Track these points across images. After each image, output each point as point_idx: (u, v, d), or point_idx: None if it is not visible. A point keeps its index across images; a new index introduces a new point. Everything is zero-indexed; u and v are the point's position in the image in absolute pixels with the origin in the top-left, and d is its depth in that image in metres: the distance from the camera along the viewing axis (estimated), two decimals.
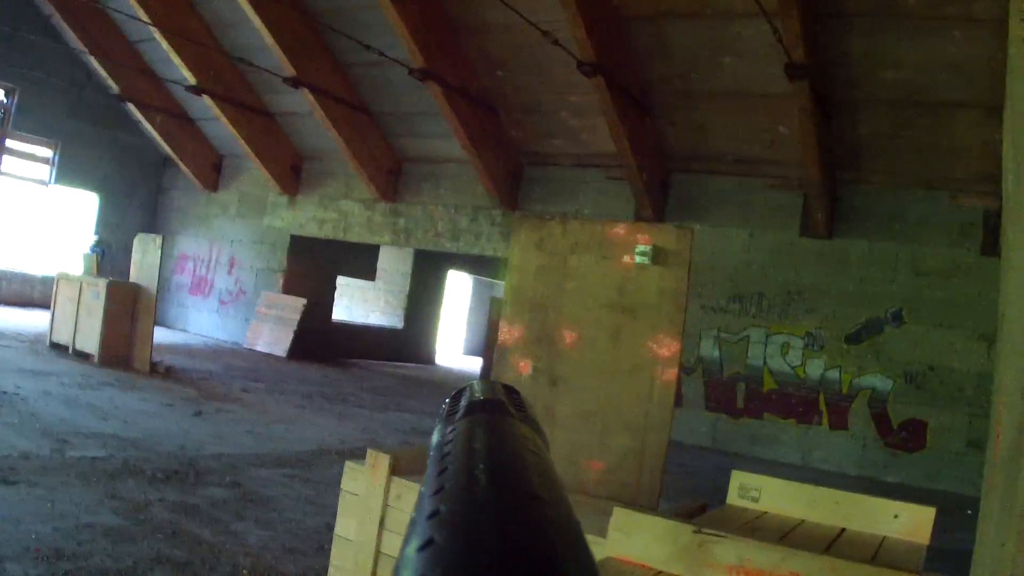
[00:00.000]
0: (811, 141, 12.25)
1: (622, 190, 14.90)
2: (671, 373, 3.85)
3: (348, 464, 3.93)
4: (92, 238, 21.13)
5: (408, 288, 24.77)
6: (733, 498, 3.71)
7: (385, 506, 3.61)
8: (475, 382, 0.65)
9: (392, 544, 3.59)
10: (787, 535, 3.18)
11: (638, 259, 3.89)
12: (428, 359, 25.12)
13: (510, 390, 0.63)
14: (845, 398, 13.06)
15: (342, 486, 3.90)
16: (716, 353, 14.06)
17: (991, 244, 12.23)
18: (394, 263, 24.89)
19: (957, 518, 9.23)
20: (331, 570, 3.92)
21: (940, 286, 12.55)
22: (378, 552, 3.62)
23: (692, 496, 7.10)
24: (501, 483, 0.43)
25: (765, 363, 13.73)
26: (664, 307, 3.90)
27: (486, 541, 0.37)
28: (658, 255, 3.89)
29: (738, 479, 3.74)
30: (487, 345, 20.55)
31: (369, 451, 3.74)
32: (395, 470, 3.66)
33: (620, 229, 4.00)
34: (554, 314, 4.13)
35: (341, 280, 22.47)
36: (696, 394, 14.01)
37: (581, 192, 15.59)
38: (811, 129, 12.07)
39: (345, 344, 21.65)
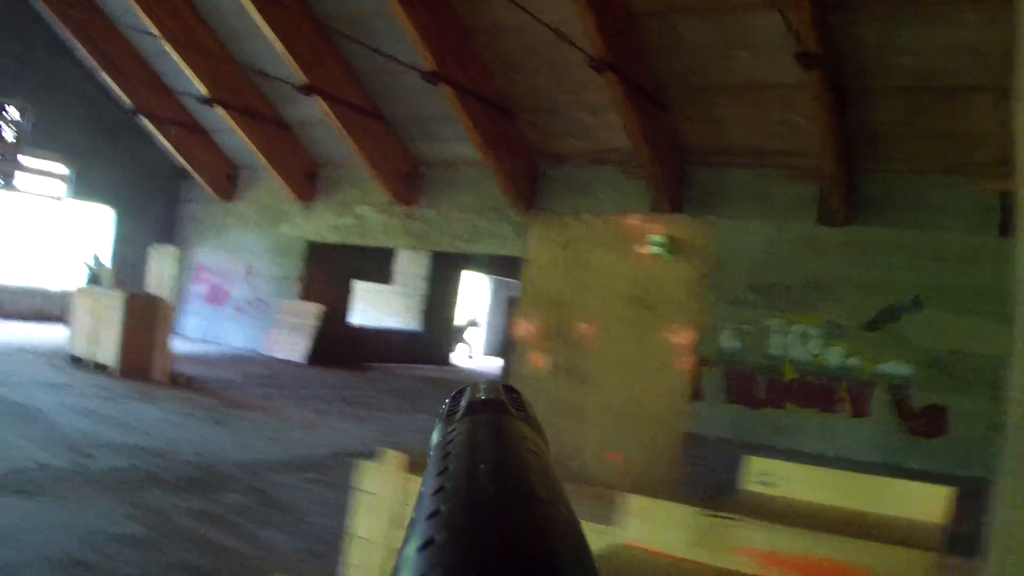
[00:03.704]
0: (827, 130, 12.18)
1: (639, 187, 14.85)
2: (688, 363, 3.82)
3: (363, 463, 3.92)
4: (92, 255, 21.23)
5: (426, 291, 24.79)
6: (749, 484, 3.68)
7: (399, 504, 3.60)
8: (475, 382, 0.64)
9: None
10: (805, 518, 3.14)
11: (653, 249, 3.85)
12: (447, 361, 25.14)
13: (510, 390, 0.62)
14: (866, 385, 12.97)
15: (357, 485, 3.89)
16: (737, 344, 13.99)
17: (1009, 226, 12.12)
18: (411, 266, 24.90)
19: (982, 502, 9.18)
20: (346, 569, 3.91)
21: (960, 271, 12.45)
22: (392, 550, 3.60)
23: (712, 488, 7.06)
24: (501, 483, 0.43)
25: (786, 353, 13.66)
26: (682, 298, 3.87)
27: (486, 541, 0.37)
28: (675, 246, 3.86)
29: (754, 464, 3.71)
30: (506, 345, 20.54)
31: (384, 450, 3.72)
32: (410, 468, 3.65)
33: (634, 220, 3.97)
34: (570, 308, 4.10)
35: (359, 285, 22.49)
36: (717, 386, 13.94)
37: (598, 190, 15.54)
38: (826, 118, 12.00)
39: (364, 348, 21.68)
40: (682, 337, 3.86)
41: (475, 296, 30.72)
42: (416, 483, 3.62)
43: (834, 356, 13.23)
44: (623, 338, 3.97)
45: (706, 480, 8.95)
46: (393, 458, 3.71)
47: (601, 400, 3.95)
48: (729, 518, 2.39)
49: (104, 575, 4.64)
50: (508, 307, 23.37)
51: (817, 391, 13.31)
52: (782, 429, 13.44)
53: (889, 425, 12.76)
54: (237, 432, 9.68)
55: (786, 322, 13.71)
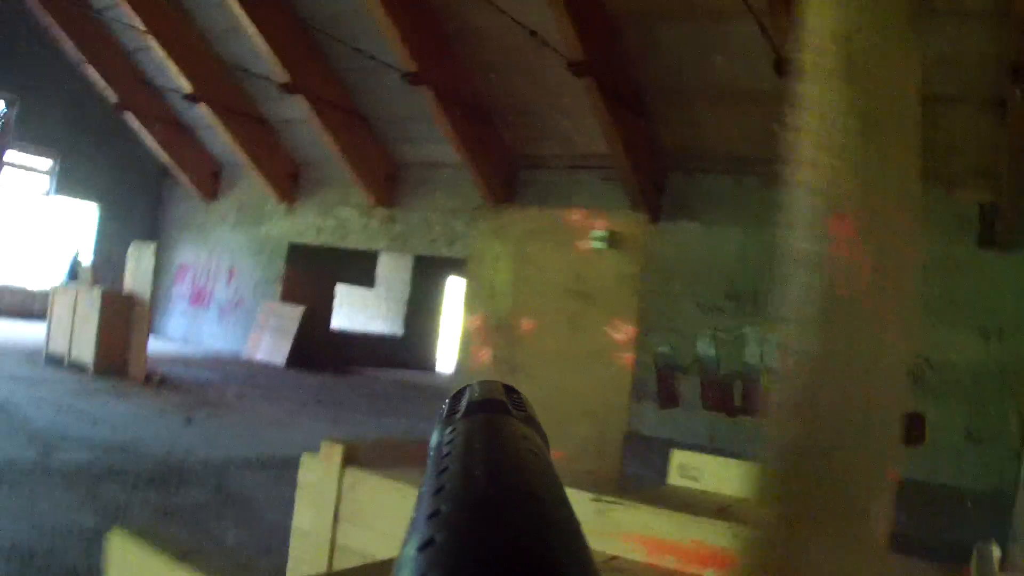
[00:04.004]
0: None
1: (617, 191, 14.88)
2: (628, 358, 3.83)
3: (304, 456, 3.92)
4: (75, 252, 21.22)
5: (408, 295, 24.76)
6: (674, 478, 3.68)
7: (339, 497, 3.60)
8: (475, 382, 0.65)
9: (347, 535, 3.58)
10: (722, 511, 3.15)
11: (594, 244, 3.87)
12: (429, 365, 25.10)
13: (510, 390, 0.63)
14: None
15: (298, 478, 3.89)
16: (712, 352, 14.01)
17: (988, 238, 12.20)
18: (394, 270, 24.89)
19: (958, 513, 9.19)
20: (290, 562, 3.90)
21: (936, 281, 12.47)
22: (333, 543, 3.60)
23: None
24: (501, 483, 0.43)
25: (762, 361, 13.68)
26: (620, 291, 3.89)
27: (486, 541, 0.37)
28: (615, 240, 3.88)
29: (678, 458, 3.70)
30: None
31: (323, 442, 3.72)
32: (349, 460, 3.65)
33: (576, 215, 3.99)
34: (513, 301, 4.12)
35: (342, 288, 22.45)
36: (693, 394, 13.95)
37: (575, 193, 15.55)
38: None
39: (345, 352, 21.63)
40: (621, 332, 3.87)
41: (457, 301, 30.68)
42: (354, 475, 3.63)
43: None
44: (561, 332, 3.99)
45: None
46: (333, 450, 3.71)
47: (541, 395, 3.95)
48: (613, 501, 2.41)
49: (51, 560, 4.65)
50: None
51: None
52: (758, 437, 13.43)
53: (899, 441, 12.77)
54: (206, 430, 9.67)
55: (763, 330, 13.73)
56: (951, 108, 11.81)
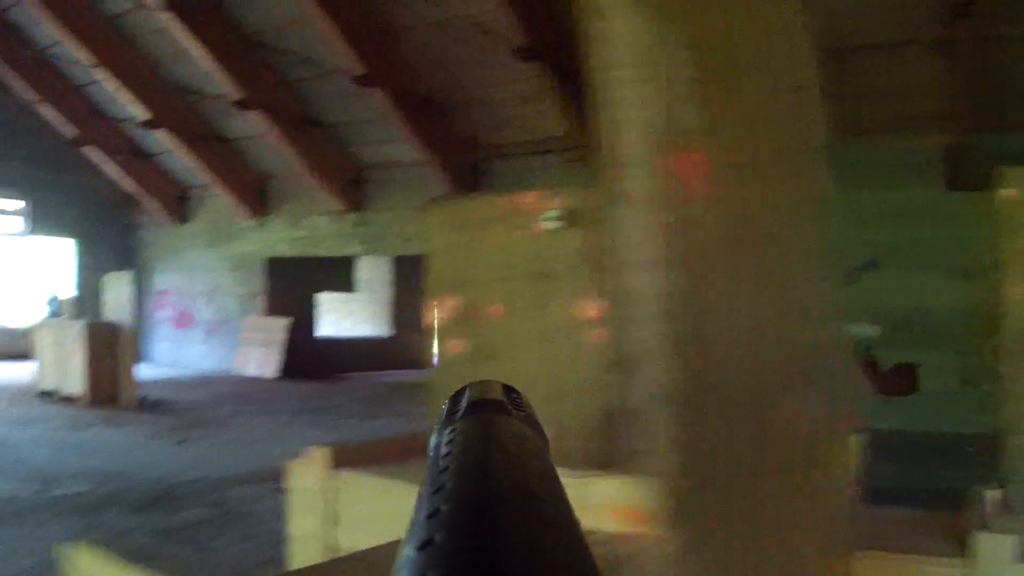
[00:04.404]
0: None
1: (581, 171, 14.94)
2: (599, 335, 3.92)
3: (290, 462, 4.01)
4: (50, 294, 21.23)
5: (391, 296, 24.78)
6: None
7: (330, 500, 3.68)
8: (475, 382, 0.65)
9: (342, 537, 3.65)
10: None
11: (548, 224, 3.96)
12: (418, 364, 25.10)
13: (510, 390, 0.63)
14: None
15: (289, 484, 3.98)
16: None
17: (955, 180, 12.27)
18: (375, 272, 24.91)
19: (958, 456, 9.30)
20: (289, 568, 3.99)
21: (910, 228, 12.56)
22: (330, 545, 3.68)
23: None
24: (501, 483, 0.43)
25: None
26: (584, 269, 3.98)
27: (486, 541, 0.37)
28: (574, 217, 3.97)
29: None
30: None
31: (311, 446, 3.82)
32: (336, 463, 3.73)
33: (530, 197, 4.08)
34: (476, 290, 4.21)
35: (325, 296, 22.46)
36: None
37: (541, 178, 15.60)
38: None
39: (333, 359, 21.66)
40: (590, 309, 3.96)
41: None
42: (343, 478, 3.72)
43: None
44: (530, 314, 4.07)
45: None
46: (320, 454, 3.80)
47: (515, 380, 4.03)
48: (588, 475, 2.50)
49: None
50: None
51: None
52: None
53: (859, 388, 12.88)
54: (200, 449, 9.76)
55: None
56: (904, 52, 11.89)
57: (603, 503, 2.42)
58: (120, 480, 7.86)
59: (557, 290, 4.01)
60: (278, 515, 6.81)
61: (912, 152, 12.59)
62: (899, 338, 12.67)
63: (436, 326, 4.27)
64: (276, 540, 6.05)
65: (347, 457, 3.79)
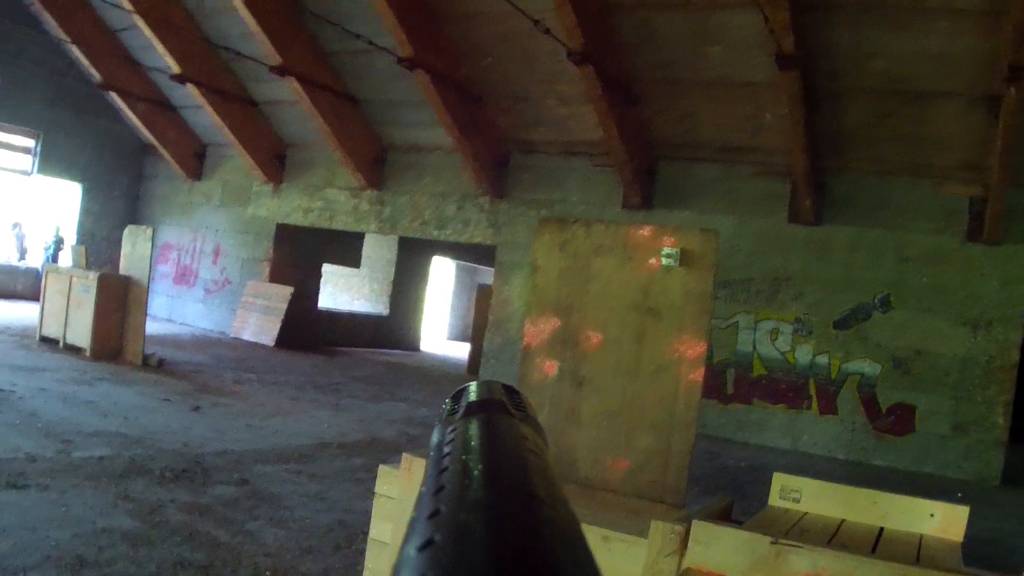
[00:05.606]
0: (798, 129, 12.35)
1: (608, 178, 14.99)
2: (697, 373, 3.91)
3: (382, 468, 3.97)
4: (55, 229, 21.11)
5: (393, 275, 24.78)
6: (775, 499, 3.80)
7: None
8: (475, 382, 0.66)
9: None
10: (833, 537, 3.27)
11: (664, 261, 3.94)
12: (413, 345, 25.16)
13: (510, 390, 0.64)
14: (834, 383, 13.21)
15: (376, 489, 3.95)
16: None
17: (976, 231, 12.41)
18: (379, 250, 24.89)
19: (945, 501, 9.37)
20: (366, 573, 3.96)
21: (925, 272, 12.70)
22: None
23: (690, 484, 7.17)
24: (500, 483, 0.44)
25: (754, 349, 13.85)
26: (689, 308, 3.96)
27: (486, 541, 0.38)
28: (684, 257, 3.95)
29: (779, 481, 3.83)
30: (475, 332, 20.60)
31: (404, 455, 3.78)
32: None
33: (645, 231, 4.05)
34: (578, 316, 4.18)
35: (327, 268, 22.41)
36: None
37: (567, 180, 15.64)
38: (798, 118, 12.17)
39: (332, 332, 21.67)
40: (690, 347, 3.95)
41: (440, 281, 30.74)
42: None
43: (803, 354, 13.45)
44: (627, 346, 4.05)
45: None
46: (414, 464, 3.77)
47: (607, 407, 4.04)
48: (791, 544, 2.49)
49: (103, 571, 4.66)
50: (476, 293, 23.34)
51: (785, 388, 13.53)
52: (749, 425, 13.66)
53: (856, 423, 13.01)
54: (214, 419, 9.69)
55: (755, 318, 13.89)
56: (941, 102, 12.00)
57: (803, 571, 2.41)
58: (141, 446, 7.77)
59: (659, 326, 4.00)
60: (305, 502, 6.81)
61: (939, 199, 12.73)
62: (898, 378, 12.83)
63: (531, 345, 4.24)
64: (309, 529, 6.03)
65: None
